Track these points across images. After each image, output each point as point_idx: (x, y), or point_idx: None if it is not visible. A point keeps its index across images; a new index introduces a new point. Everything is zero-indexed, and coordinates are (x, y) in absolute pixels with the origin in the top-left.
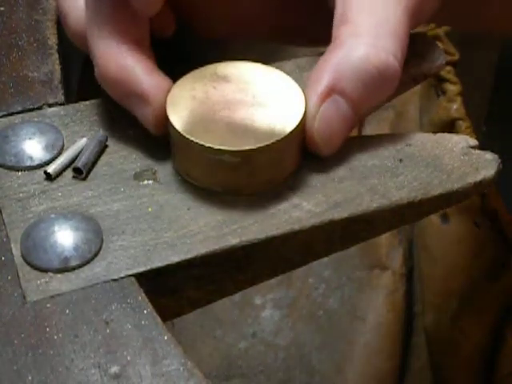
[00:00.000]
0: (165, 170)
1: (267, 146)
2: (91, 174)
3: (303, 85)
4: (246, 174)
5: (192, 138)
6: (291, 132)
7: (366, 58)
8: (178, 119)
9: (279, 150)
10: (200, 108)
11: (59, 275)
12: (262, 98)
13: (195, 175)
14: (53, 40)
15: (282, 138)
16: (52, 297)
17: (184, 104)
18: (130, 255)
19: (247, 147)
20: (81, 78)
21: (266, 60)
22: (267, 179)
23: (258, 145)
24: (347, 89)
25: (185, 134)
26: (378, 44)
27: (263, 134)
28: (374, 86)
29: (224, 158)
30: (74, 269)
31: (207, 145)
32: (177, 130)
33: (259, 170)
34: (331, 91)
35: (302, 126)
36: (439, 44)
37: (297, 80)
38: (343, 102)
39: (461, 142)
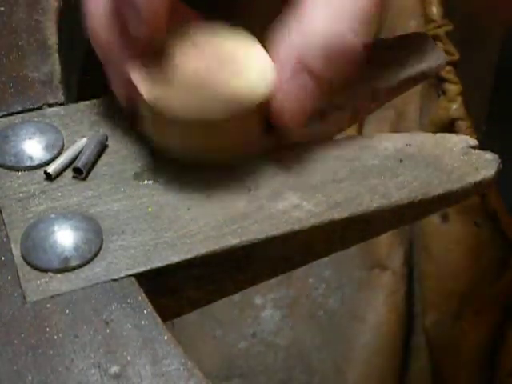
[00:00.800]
0: (165, 170)
1: (235, 115)
2: (91, 173)
3: None
4: (216, 143)
5: (161, 107)
6: (260, 102)
7: (330, 34)
8: (148, 88)
9: (248, 119)
10: (170, 76)
11: (59, 275)
12: (232, 66)
13: (165, 144)
14: (53, 40)
15: (251, 108)
16: (52, 297)
17: (156, 72)
18: (130, 255)
19: (216, 116)
20: (81, 78)
21: None
22: (236, 146)
23: (226, 114)
24: (312, 65)
25: (154, 103)
26: (341, 20)
27: (233, 102)
28: (337, 62)
29: (192, 126)
30: (74, 269)
31: (176, 113)
32: (146, 102)
33: (228, 139)
34: (297, 67)
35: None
36: (439, 44)
37: None
38: (308, 78)
39: (461, 142)
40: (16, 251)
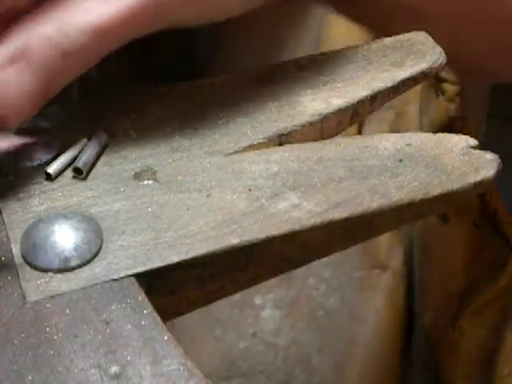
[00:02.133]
0: (165, 170)
1: None
2: (91, 174)
3: (305, 84)
4: None
5: None
6: None
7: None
8: None
9: None
10: None
11: (59, 275)
12: None
13: None
14: None
15: None
16: (52, 297)
17: None
18: (130, 255)
19: None
20: (81, 78)
21: (265, 60)
22: None
23: None
24: (36, 57)
25: None
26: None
27: None
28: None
29: None
30: (73, 269)
31: None
32: None
33: None
34: (18, 56)
35: None
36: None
37: (297, 79)
38: (28, 70)
39: (461, 142)
40: (16, 251)
